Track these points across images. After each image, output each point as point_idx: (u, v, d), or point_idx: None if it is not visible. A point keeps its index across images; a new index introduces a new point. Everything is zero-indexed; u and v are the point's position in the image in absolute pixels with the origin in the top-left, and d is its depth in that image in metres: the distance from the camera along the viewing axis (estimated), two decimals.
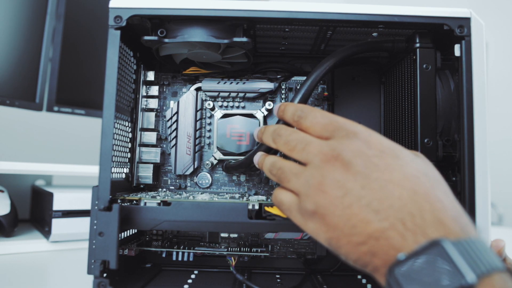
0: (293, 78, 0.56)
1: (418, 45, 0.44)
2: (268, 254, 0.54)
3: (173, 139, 0.53)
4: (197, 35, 0.44)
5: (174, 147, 0.53)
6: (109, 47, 0.41)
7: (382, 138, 0.32)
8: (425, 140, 0.43)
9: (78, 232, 0.68)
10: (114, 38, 0.42)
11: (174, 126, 0.53)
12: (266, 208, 0.41)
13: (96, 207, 0.40)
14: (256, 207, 0.42)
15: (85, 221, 0.68)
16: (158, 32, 0.44)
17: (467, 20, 0.41)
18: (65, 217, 0.66)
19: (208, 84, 0.53)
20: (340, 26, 0.46)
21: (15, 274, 0.54)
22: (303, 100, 0.43)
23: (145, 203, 0.43)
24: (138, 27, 0.45)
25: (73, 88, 0.97)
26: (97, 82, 1.00)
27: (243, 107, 0.55)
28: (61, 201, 0.66)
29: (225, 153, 0.53)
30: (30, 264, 0.60)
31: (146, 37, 0.44)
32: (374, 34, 0.48)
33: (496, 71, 1.55)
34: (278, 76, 0.56)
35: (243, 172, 0.54)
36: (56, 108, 0.93)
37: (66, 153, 1.13)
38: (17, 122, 1.07)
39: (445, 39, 0.43)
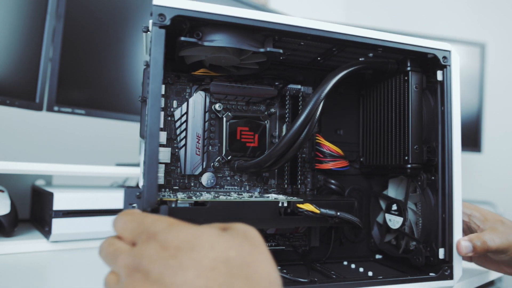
0: (288, 86, 0.61)
1: (409, 68, 0.54)
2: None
3: (182, 139, 0.53)
4: (235, 41, 0.46)
5: (184, 147, 0.53)
6: (153, 46, 0.41)
7: (182, 229, 0.29)
8: (415, 147, 0.53)
9: (78, 232, 0.67)
10: (159, 37, 0.41)
11: (183, 127, 0.54)
12: (298, 205, 0.46)
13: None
14: (285, 204, 0.46)
15: (86, 221, 0.67)
16: (194, 35, 0.45)
17: (449, 52, 0.52)
18: (65, 217, 0.64)
19: (217, 87, 0.55)
20: (350, 46, 0.52)
21: (15, 274, 0.52)
22: (309, 116, 0.48)
23: (176, 203, 0.43)
24: None
25: (73, 88, 0.95)
26: (97, 82, 0.99)
27: (249, 110, 0.58)
28: (61, 201, 0.64)
29: (233, 154, 0.55)
30: (30, 264, 0.58)
31: (184, 38, 0.44)
32: (370, 54, 0.56)
33: (496, 71, 1.53)
34: (276, 83, 0.60)
35: (253, 172, 0.57)
36: (56, 108, 0.92)
37: (66, 153, 1.13)
38: (17, 122, 1.05)
39: (427, 65, 0.54)
